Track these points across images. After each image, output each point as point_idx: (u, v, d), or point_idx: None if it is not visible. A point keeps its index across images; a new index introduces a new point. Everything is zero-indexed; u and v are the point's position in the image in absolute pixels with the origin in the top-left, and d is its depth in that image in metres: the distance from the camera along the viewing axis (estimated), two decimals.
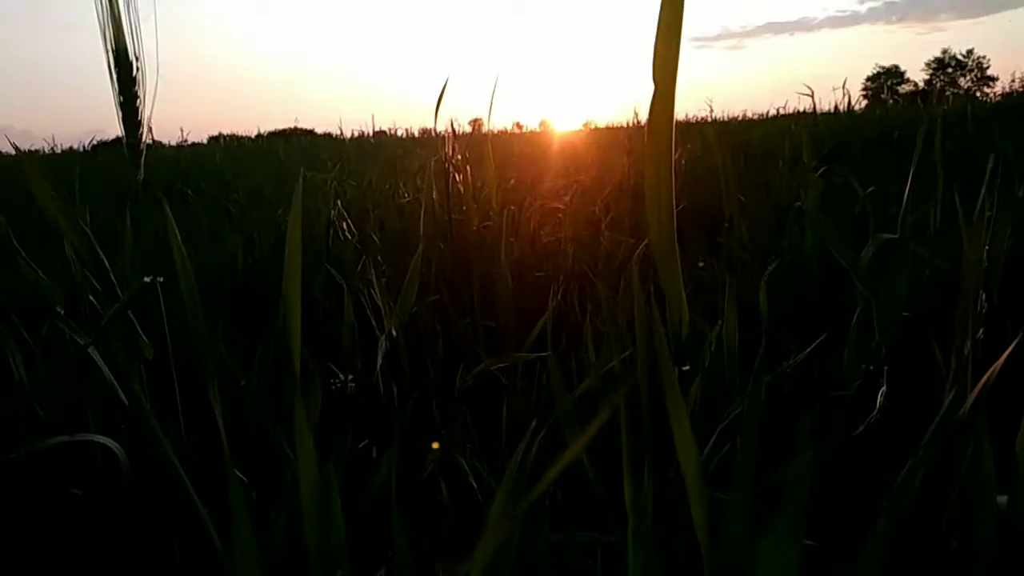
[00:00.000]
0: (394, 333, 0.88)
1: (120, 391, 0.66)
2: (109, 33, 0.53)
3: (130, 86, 0.55)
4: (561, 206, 1.81)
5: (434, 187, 1.68)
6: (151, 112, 0.60)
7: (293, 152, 6.01)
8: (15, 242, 0.92)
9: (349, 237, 1.52)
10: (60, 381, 0.72)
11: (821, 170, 1.91)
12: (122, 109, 0.55)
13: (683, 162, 3.23)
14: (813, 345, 0.98)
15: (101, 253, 0.70)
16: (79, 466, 0.73)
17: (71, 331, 0.67)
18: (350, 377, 1.07)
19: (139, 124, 0.55)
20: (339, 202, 1.57)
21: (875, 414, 0.79)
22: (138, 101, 0.56)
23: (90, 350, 0.63)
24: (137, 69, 0.55)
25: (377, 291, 1.05)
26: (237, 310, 1.43)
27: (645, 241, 1.07)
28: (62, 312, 0.71)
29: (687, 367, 0.65)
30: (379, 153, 6.76)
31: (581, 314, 1.27)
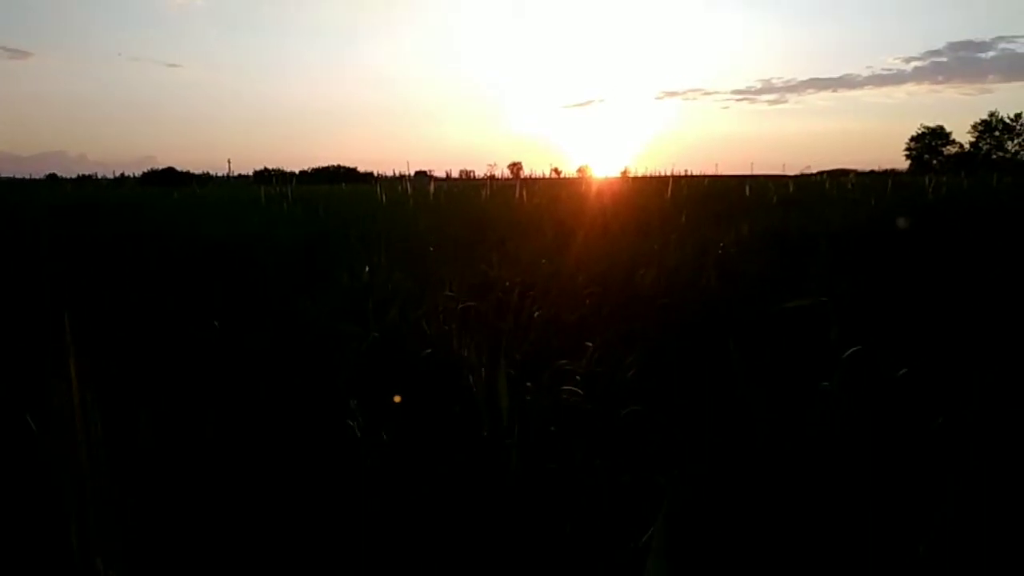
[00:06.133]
0: None
1: None
2: None
3: None
4: (580, 391, 1.78)
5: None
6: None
7: (331, 216, 6.12)
8: None
9: (359, 435, 1.52)
10: None
11: (849, 352, 1.85)
12: None
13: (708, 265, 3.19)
14: None
15: None
16: None
17: None
18: None
19: None
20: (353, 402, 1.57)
21: None
22: None
23: None
24: None
25: None
26: None
27: None
28: None
29: None
30: (416, 222, 6.83)
31: None
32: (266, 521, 1.38)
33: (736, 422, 1.75)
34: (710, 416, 1.77)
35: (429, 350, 2.05)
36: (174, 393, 1.98)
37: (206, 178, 60.73)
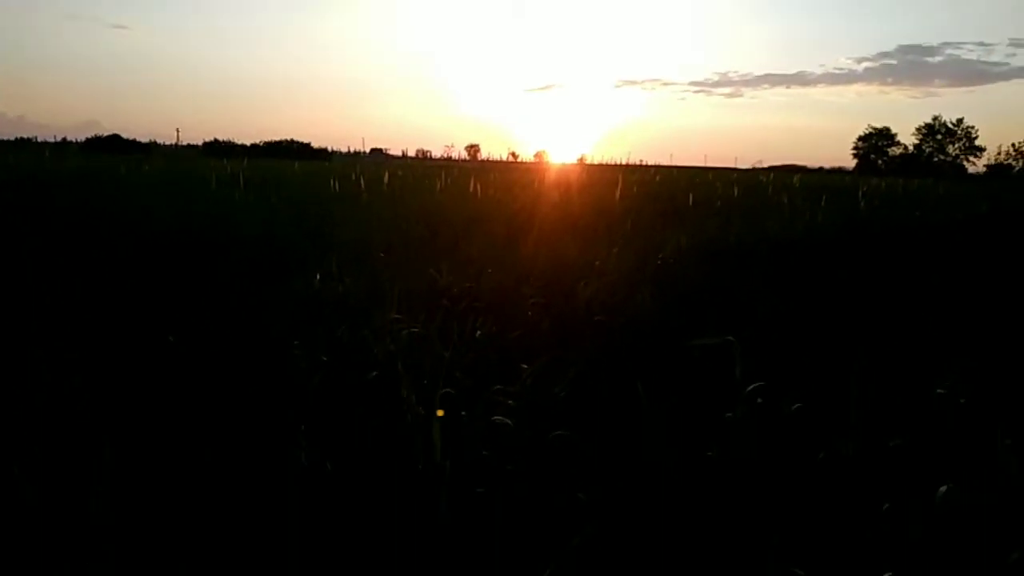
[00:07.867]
0: None
1: None
2: None
3: None
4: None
5: None
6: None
7: (282, 223, 6.15)
8: None
9: (305, 464, 1.68)
10: None
11: (752, 386, 2.07)
12: None
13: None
14: None
15: None
16: None
17: None
18: None
19: None
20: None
21: None
22: None
23: None
24: None
25: None
26: None
27: None
28: None
29: None
30: (369, 212, 6.92)
31: None
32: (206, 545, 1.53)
33: (643, 450, 1.96)
34: (620, 444, 1.98)
35: (375, 372, 2.20)
36: (141, 404, 2.10)
37: (153, 147, 58.94)
